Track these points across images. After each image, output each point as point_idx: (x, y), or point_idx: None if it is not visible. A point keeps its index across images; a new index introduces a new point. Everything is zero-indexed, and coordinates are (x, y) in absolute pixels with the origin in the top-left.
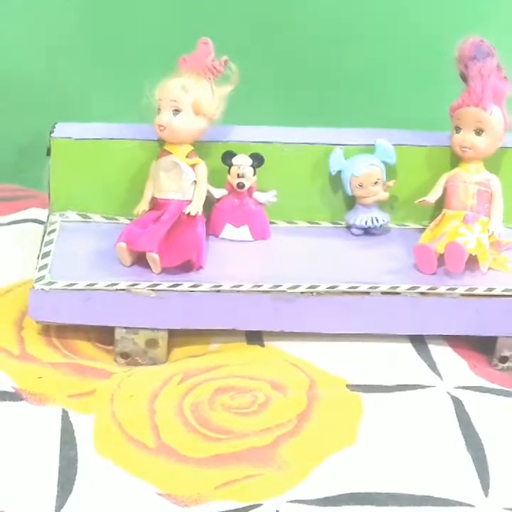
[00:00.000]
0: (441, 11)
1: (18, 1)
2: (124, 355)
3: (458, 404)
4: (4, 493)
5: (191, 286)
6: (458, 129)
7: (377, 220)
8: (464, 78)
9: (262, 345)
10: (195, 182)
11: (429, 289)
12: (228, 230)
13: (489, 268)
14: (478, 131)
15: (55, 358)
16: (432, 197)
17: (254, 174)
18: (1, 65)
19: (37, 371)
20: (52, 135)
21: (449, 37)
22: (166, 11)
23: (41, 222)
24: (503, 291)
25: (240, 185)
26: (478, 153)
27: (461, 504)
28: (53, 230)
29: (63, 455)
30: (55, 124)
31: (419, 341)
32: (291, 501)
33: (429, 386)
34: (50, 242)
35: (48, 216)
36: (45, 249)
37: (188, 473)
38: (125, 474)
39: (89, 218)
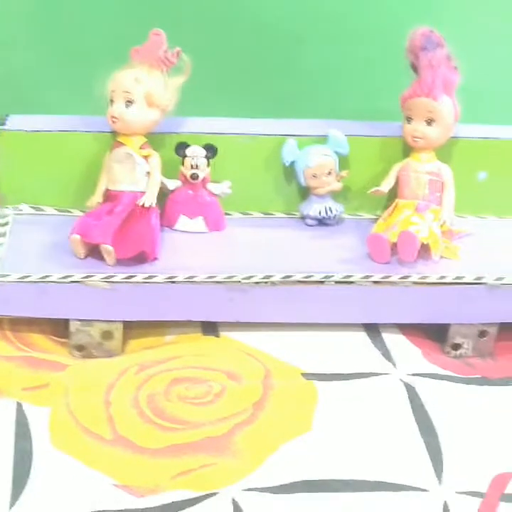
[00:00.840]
0: (392, 1)
1: None
2: (79, 348)
3: (411, 391)
4: None
5: (146, 278)
6: (409, 119)
7: (331, 210)
8: (415, 68)
9: (218, 336)
10: (148, 173)
11: (382, 278)
12: (183, 222)
13: (441, 257)
14: (429, 121)
15: (8, 351)
16: (385, 187)
17: (208, 165)
18: None
19: None
20: (2, 127)
21: (399, 27)
22: (117, 2)
23: None
24: (454, 279)
25: (194, 177)
26: (430, 143)
27: (414, 489)
28: (6, 223)
29: (18, 448)
30: (7, 116)
31: (373, 330)
32: (247, 489)
33: (383, 374)
34: (3, 234)
35: (0, 209)
36: None
37: (144, 464)
38: (81, 466)
39: (43, 211)
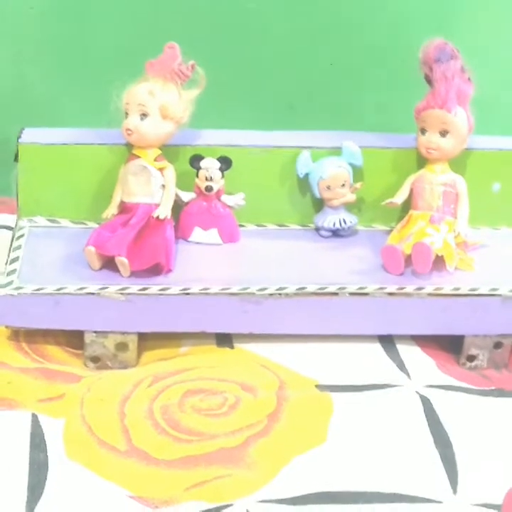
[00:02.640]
0: (405, 14)
1: None
2: (94, 359)
3: (426, 402)
4: None
5: (160, 290)
6: (423, 131)
7: (345, 222)
8: (429, 80)
9: (232, 348)
10: (163, 185)
11: (396, 290)
12: (197, 233)
13: (456, 268)
14: (443, 133)
15: (24, 363)
16: (399, 198)
17: (222, 177)
18: None
19: (6, 376)
20: (19, 140)
21: (414, 40)
22: (132, 15)
23: (10, 228)
24: (469, 290)
25: (208, 189)
26: (444, 154)
27: (429, 501)
28: (22, 236)
29: (33, 459)
30: (23, 129)
31: (387, 341)
32: (262, 501)
33: (398, 385)
34: (19, 247)
35: (17, 222)
36: (13, 255)
37: (158, 475)
38: (96, 477)
39: (58, 223)
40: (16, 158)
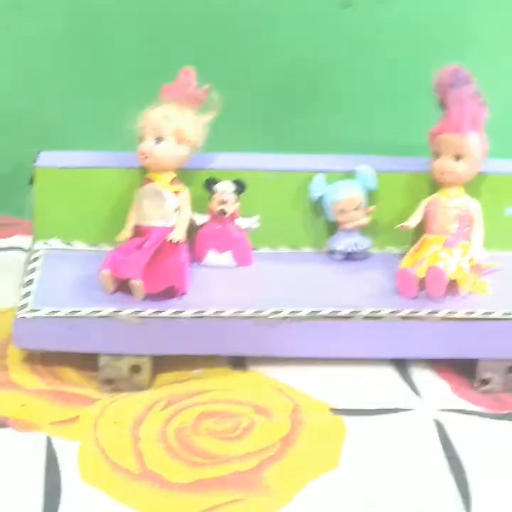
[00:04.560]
0: (420, 38)
1: None
2: (108, 382)
3: (440, 426)
4: None
5: (174, 313)
6: (437, 155)
7: (358, 245)
8: (443, 105)
9: (245, 370)
10: (178, 209)
11: (410, 313)
12: (211, 256)
13: (470, 292)
14: (458, 157)
15: (39, 385)
16: (413, 222)
17: (236, 201)
18: None
19: (21, 398)
20: (35, 164)
21: (428, 64)
22: (147, 39)
23: (25, 250)
24: (483, 314)
25: (223, 212)
26: (458, 178)
27: None
28: (37, 258)
29: (48, 482)
30: (39, 152)
31: (401, 365)
32: None
33: (412, 409)
34: (34, 270)
35: (32, 244)
36: (28, 277)
37: (172, 499)
38: (109, 500)
39: (73, 246)
40: (31, 182)
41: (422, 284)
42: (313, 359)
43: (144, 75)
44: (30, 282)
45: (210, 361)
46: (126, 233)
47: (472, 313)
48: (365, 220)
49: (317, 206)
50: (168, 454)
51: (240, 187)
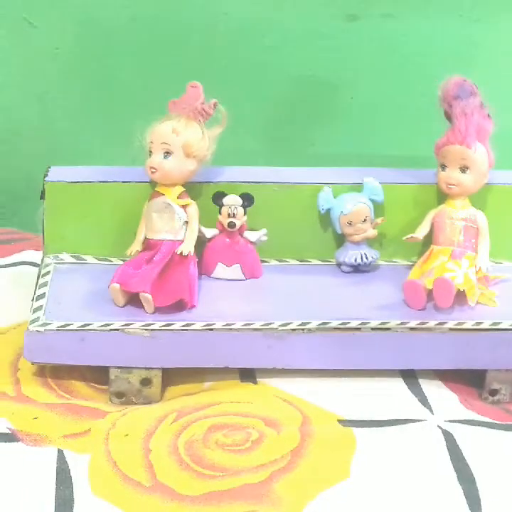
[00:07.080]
0: (425, 50)
1: (7, 47)
2: (119, 395)
3: (449, 437)
4: None
5: (184, 325)
6: (443, 167)
7: (366, 257)
8: (448, 117)
9: (255, 383)
10: (186, 222)
11: (418, 324)
12: (220, 269)
13: (477, 302)
14: (464, 169)
15: (50, 399)
16: (420, 233)
17: (244, 214)
18: None
19: (32, 412)
20: (46, 178)
21: (433, 76)
22: (155, 54)
23: (36, 265)
24: (491, 325)
25: (231, 225)
26: (464, 190)
27: None
28: (47, 273)
29: (59, 495)
30: (49, 167)
31: (409, 376)
32: None
33: (421, 420)
34: (45, 284)
35: (42, 258)
36: (39, 292)
37: (183, 511)
38: None
39: (83, 260)
40: (42, 196)
41: (429, 295)
42: (322, 371)
43: (152, 90)
44: (41, 296)
45: (219, 374)
46: (136, 247)
47: (480, 323)
48: (372, 232)
49: (325, 219)
50: (178, 466)
51: (248, 200)
